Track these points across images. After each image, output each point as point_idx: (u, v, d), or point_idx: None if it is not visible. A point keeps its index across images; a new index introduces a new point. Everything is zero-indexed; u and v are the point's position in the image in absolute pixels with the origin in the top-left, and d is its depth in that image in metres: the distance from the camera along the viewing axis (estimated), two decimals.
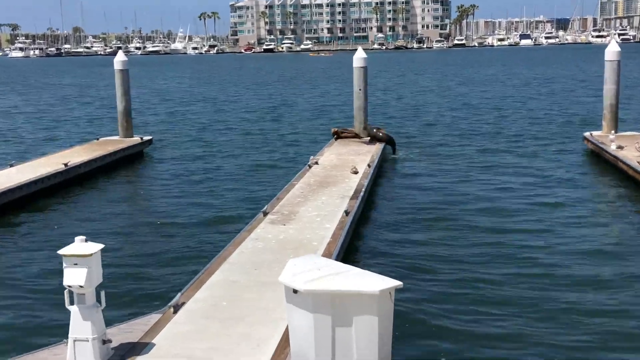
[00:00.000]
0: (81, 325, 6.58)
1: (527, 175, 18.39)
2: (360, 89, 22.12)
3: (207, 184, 18.36)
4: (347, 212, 12.26)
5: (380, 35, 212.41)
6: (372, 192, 16.28)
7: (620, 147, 18.92)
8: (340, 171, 16.66)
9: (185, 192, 17.41)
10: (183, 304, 8.29)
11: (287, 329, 6.87)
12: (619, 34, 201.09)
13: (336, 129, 22.79)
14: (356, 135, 22.02)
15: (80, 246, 6.63)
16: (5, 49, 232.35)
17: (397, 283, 6.05)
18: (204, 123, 32.71)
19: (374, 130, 22.20)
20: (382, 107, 38.47)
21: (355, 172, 16.15)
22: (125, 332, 7.37)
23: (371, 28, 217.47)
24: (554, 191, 16.32)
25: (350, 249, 11.77)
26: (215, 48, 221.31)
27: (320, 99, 45.28)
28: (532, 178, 17.99)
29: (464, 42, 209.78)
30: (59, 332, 7.96)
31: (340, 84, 58.72)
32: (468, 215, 14.31)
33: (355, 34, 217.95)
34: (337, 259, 9.58)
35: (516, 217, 13.95)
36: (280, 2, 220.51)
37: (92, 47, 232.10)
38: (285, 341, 6.96)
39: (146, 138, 23.33)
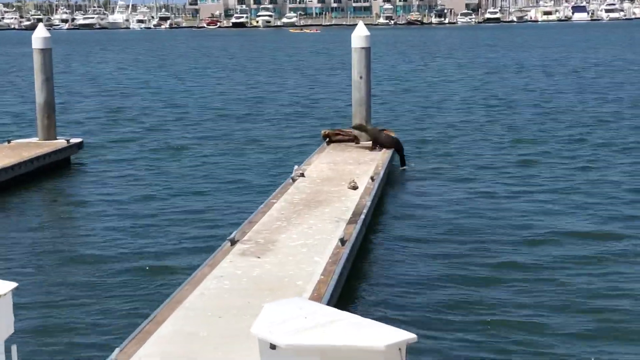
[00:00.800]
0: None
1: (586, 204, 17.92)
2: (361, 77, 22.30)
3: (156, 203, 18.45)
4: (343, 241, 12.36)
5: (387, 6, 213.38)
6: (376, 215, 16.37)
7: None
8: (334, 186, 16.82)
9: (127, 213, 17.47)
10: None
11: None
12: None
13: (327, 131, 23.05)
14: (355, 139, 22.21)
15: None
16: None
17: (409, 336, 6.04)
18: (153, 122, 32.80)
19: (379, 131, 22.28)
20: (389, 101, 38.62)
21: (354, 188, 16.35)
22: None
23: None
24: (626, 232, 15.56)
25: (347, 291, 11.82)
26: (168, 21, 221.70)
27: (308, 90, 45.42)
28: (594, 207, 17.54)
29: (498, 15, 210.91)
30: None
31: (333, 71, 58.93)
32: (501, 250, 14.37)
33: (354, 4, 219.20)
34: (329, 304, 9.66)
35: (570, 263, 13.68)
36: None
37: (2, 18, 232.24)
38: None
39: (74, 141, 23.40)
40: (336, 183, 17.10)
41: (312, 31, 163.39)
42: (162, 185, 20.55)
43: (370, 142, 21.74)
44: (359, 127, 22.12)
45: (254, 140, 27.65)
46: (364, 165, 19.22)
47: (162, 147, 26.32)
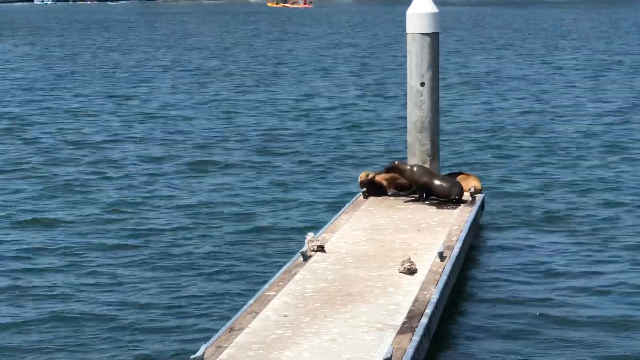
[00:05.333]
0: None
1: None
2: (422, 84, 18.18)
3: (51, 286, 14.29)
4: None
5: None
6: (448, 318, 13.31)
7: None
8: (375, 269, 13.89)
9: None
10: None
11: None
12: None
13: (369, 174, 18.37)
14: (422, 190, 17.40)
15: None
16: None
17: None
18: (67, 141, 27.30)
19: (450, 178, 17.61)
20: (462, 124, 31.53)
21: (411, 272, 13.56)
22: None
23: None
24: None
25: None
26: None
27: (337, 105, 36.98)
28: None
29: None
30: None
31: (361, 76, 48.83)
32: None
33: None
34: None
35: None
36: None
37: None
38: None
39: None
40: (380, 264, 14.08)
41: (299, 6, 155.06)
42: (60, 254, 16.01)
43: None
44: (392, 169, 17.54)
45: (240, 189, 21.99)
46: (426, 234, 15.61)
47: (72, 186, 21.08)
